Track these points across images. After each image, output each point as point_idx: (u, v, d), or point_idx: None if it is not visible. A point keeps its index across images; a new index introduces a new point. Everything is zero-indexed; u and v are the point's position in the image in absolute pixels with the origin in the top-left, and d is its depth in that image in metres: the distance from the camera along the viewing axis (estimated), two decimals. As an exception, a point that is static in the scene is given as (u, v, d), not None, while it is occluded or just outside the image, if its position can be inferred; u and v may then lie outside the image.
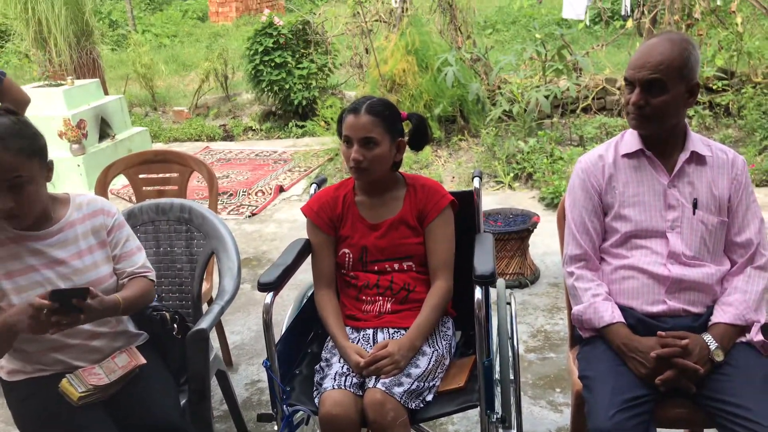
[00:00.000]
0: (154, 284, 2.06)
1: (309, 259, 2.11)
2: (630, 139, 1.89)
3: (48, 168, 1.85)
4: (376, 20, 6.75)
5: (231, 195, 5.39)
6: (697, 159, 1.85)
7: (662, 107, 1.74)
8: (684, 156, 1.83)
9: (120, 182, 5.46)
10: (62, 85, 6.03)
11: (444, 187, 2.13)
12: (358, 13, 6.63)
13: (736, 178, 1.84)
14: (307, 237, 2.11)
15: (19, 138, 1.76)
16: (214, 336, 2.80)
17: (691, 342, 1.71)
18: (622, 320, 1.81)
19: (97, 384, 1.81)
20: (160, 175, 2.99)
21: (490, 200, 4.76)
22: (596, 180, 1.90)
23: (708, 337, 1.73)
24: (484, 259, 1.83)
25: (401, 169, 2.13)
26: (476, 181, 2.20)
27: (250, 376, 2.96)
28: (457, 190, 2.18)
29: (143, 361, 1.92)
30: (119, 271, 2.00)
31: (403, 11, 6.36)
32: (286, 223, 4.77)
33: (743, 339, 1.77)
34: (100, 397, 1.83)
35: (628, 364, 1.76)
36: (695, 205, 1.82)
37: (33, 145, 1.79)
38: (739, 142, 5.20)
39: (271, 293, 1.85)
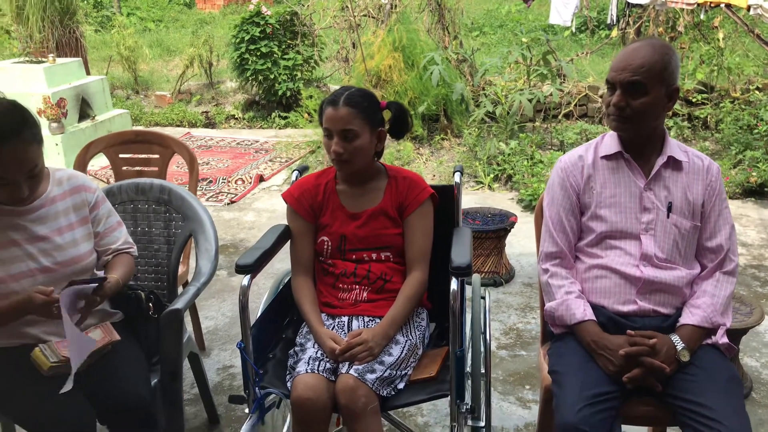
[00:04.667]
0: (135, 259, 2.08)
1: (287, 246, 2.11)
2: (609, 142, 1.93)
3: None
4: (365, 15, 6.75)
5: (210, 182, 5.36)
6: (674, 164, 1.89)
7: (642, 109, 1.77)
8: (661, 160, 1.87)
9: (98, 163, 5.41)
10: (43, 62, 5.95)
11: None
12: (347, 6, 6.62)
13: (711, 185, 1.88)
14: (287, 223, 2.12)
15: (30, 127, 1.76)
16: (187, 320, 2.79)
17: (659, 342, 1.75)
18: (594, 318, 1.85)
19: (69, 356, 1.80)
20: (141, 156, 2.97)
21: (469, 199, 4.79)
22: (575, 179, 1.93)
23: (675, 338, 1.77)
24: (461, 252, 1.85)
25: (384, 161, 2.14)
26: (457, 175, 2.22)
27: (222, 361, 2.96)
28: (438, 184, 2.20)
29: (117, 337, 1.92)
30: (103, 248, 2.01)
31: (392, 7, 6.37)
32: (265, 213, 4.76)
33: (709, 341, 1.81)
34: (70, 370, 1.82)
35: (597, 361, 1.79)
36: (669, 209, 1.86)
37: (39, 132, 1.80)
38: (715, 155, 5.30)
39: (248, 276, 1.85)
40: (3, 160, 1.71)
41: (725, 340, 1.82)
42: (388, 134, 2.08)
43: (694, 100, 5.94)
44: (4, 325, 1.80)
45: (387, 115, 2.08)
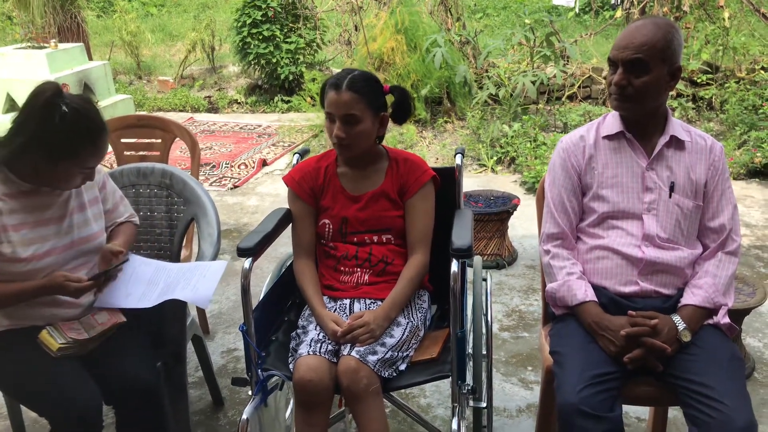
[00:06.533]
0: (137, 227, 2.19)
1: (289, 229, 2.12)
2: (611, 121, 1.91)
3: None
4: (367, -3, 6.70)
5: (214, 167, 5.36)
6: (676, 143, 1.87)
7: (644, 88, 1.76)
8: (663, 139, 1.86)
9: (101, 149, 5.41)
10: (45, 48, 5.94)
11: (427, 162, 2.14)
12: (349, -11, 6.57)
13: (714, 164, 1.87)
14: (288, 207, 2.12)
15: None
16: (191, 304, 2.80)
17: (660, 322, 1.75)
18: (595, 299, 1.85)
19: (76, 338, 1.83)
20: (143, 140, 2.97)
21: (472, 182, 4.78)
22: (576, 160, 1.92)
23: (677, 318, 1.77)
24: (461, 233, 1.85)
25: (386, 144, 2.13)
26: (458, 157, 2.21)
27: (227, 345, 2.97)
28: (440, 167, 2.19)
29: (123, 319, 1.94)
30: (110, 222, 2.08)
31: (394, -11, 6.31)
32: (268, 197, 4.77)
33: (710, 321, 1.81)
34: (77, 352, 1.84)
35: (598, 341, 1.79)
36: (672, 189, 1.85)
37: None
38: (720, 136, 5.26)
39: (249, 259, 1.85)
40: (101, 149, 1.83)
41: (727, 320, 1.82)
42: (390, 119, 2.07)
43: (698, 80, 5.89)
44: (22, 302, 1.84)
45: (389, 99, 2.07)
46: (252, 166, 5.34)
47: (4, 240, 1.79)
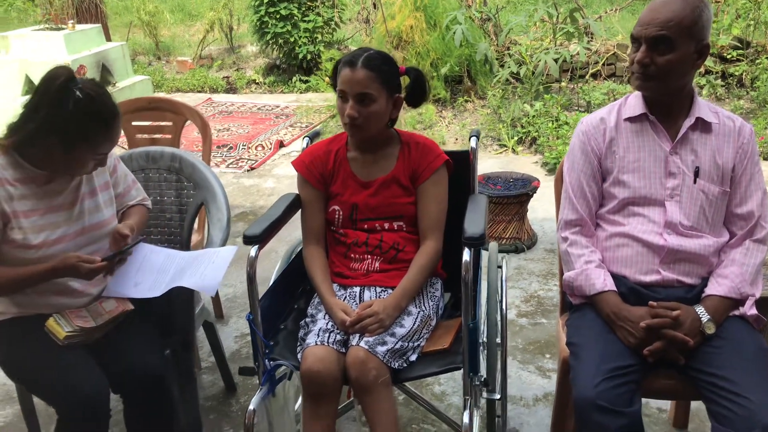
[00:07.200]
0: (149, 211, 2.17)
1: (299, 215, 2.06)
2: (634, 103, 1.82)
3: None
4: (386, -26, 6.57)
5: (231, 148, 5.33)
6: (703, 126, 1.78)
7: (667, 66, 1.66)
8: (689, 122, 1.76)
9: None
10: (63, 29, 5.93)
11: (441, 146, 2.07)
12: (368, -34, 6.45)
13: (742, 147, 1.77)
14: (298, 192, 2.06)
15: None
16: (204, 288, 2.78)
17: (683, 313, 1.67)
18: (614, 288, 1.77)
19: (84, 326, 1.81)
20: (154, 123, 2.94)
21: (492, 163, 4.69)
22: (596, 143, 1.84)
23: (700, 309, 1.69)
24: (474, 221, 1.78)
25: (405, 124, 2.06)
26: (473, 140, 2.13)
27: (240, 329, 2.95)
28: (453, 150, 2.12)
29: (131, 307, 1.92)
30: (122, 206, 2.06)
31: (413, -34, 6.17)
32: (285, 179, 4.72)
33: (736, 312, 1.72)
34: (84, 340, 1.83)
35: (617, 333, 1.72)
36: (697, 174, 1.76)
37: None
38: (750, 114, 5.09)
39: (255, 246, 1.80)
40: (115, 135, 1.81)
41: (754, 311, 1.73)
42: (404, 101, 2.00)
43: (728, 56, 5.70)
44: (35, 285, 1.82)
45: (405, 81, 1.99)
46: (269, 147, 5.30)
47: (15, 226, 1.77)
